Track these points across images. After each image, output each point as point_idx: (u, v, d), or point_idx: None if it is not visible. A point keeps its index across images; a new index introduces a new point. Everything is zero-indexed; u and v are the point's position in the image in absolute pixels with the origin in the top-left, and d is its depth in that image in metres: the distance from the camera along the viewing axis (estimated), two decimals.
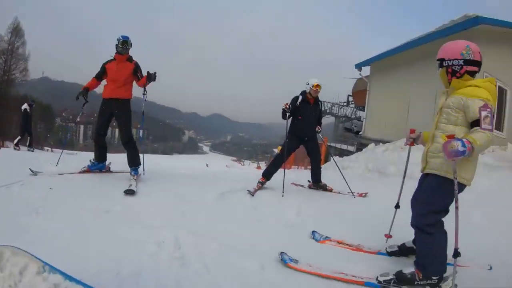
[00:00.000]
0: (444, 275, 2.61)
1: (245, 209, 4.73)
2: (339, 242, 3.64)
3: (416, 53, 11.68)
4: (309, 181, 6.63)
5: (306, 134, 6.11)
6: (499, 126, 10.70)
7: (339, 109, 35.62)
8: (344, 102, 35.50)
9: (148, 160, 5.94)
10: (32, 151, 12.47)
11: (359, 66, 14.94)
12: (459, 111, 2.64)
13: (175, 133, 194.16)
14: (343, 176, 6.40)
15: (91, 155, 5.95)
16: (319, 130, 6.34)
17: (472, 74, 2.71)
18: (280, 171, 5.95)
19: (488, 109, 2.46)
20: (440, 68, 2.82)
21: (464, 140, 2.35)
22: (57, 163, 5.82)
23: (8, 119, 34.54)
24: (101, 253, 2.71)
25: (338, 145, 22.92)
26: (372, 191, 6.13)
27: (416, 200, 2.89)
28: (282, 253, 3.11)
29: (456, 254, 2.49)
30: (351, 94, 31.52)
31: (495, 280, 2.93)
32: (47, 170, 5.35)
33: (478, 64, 2.71)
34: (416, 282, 2.68)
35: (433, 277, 2.63)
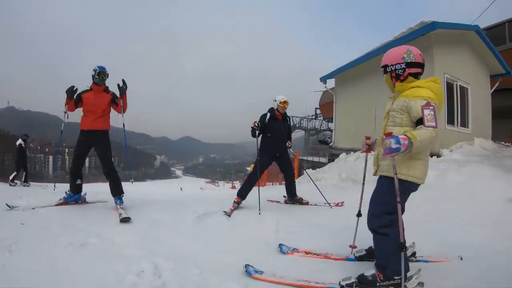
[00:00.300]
0: (409, 274, 2.63)
1: (223, 230, 4.70)
2: (307, 253, 3.70)
3: (377, 62, 11.91)
4: (284, 196, 6.66)
5: (277, 150, 6.15)
6: (464, 123, 11.06)
7: (308, 122, 36.10)
8: (312, 115, 35.99)
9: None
10: (28, 186, 12.32)
11: (324, 79, 15.15)
12: (403, 112, 2.74)
13: (147, 159, 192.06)
14: (318, 188, 6.47)
15: (63, 186, 5.82)
16: (289, 145, 6.38)
17: (416, 76, 2.82)
18: (255, 189, 5.94)
19: (431, 107, 2.55)
20: (385, 74, 2.94)
21: (400, 136, 2.44)
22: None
23: None
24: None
25: (310, 158, 23.14)
26: (348, 200, 6.17)
27: (370, 203, 2.95)
28: (247, 265, 3.20)
29: (401, 247, 2.57)
30: (318, 107, 31.97)
31: (466, 272, 3.00)
32: (21, 204, 5.21)
33: (420, 65, 2.82)
34: (378, 284, 2.72)
35: (395, 277, 2.66)
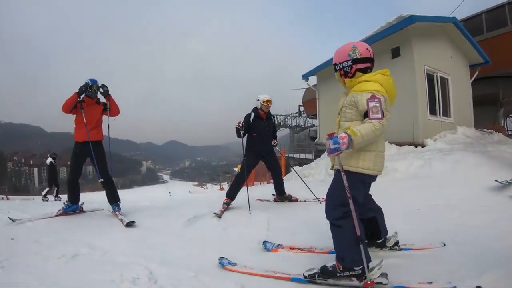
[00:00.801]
0: (371, 265, 2.67)
1: (215, 232, 4.70)
2: (291, 248, 3.75)
3: None
4: (273, 194, 6.69)
5: (263, 149, 6.17)
6: (446, 113, 11.24)
7: (292, 120, 36.16)
8: (296, 112, 36.06)
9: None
10: (59, 200, 12.36)
11: (306, 77, 15.24)
12: (352, 107, 2.81)
13: (133, 166, 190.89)
14: (306, 184, 6.52)
15: (50, 199, 5.80)
16: (275, 144, 6.41)
17: (365, 71, 2.87)
18: (244, 189, 5.97)
19: (376, 100, 2.61)
20: (336, 73, 3.01)
21: (339, 135, 2.52)
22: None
23: None
24: None
25: (296, 155, 23.26)
26: None
27: (326, 196, 3.02)
28: (221, 258, 3.37)
29: (358, 240, 2.64)
30: (302, 104, 32.06)
31: (450, 258, 3.07)
32: (24, 217, 5.33)
33: (368, 60, 2.87)
34: (338, 274, 2.76)
35: (355, 268, 2.68)
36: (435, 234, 3.77)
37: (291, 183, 8.09)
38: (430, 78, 10.78)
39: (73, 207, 5.71)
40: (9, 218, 5.07)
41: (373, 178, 2.92)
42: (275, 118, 6.69)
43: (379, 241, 3.35)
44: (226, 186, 35.28)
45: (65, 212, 5.62)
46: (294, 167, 10.09)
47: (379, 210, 3.34)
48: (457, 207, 4.82)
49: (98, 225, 5.00)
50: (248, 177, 6.21)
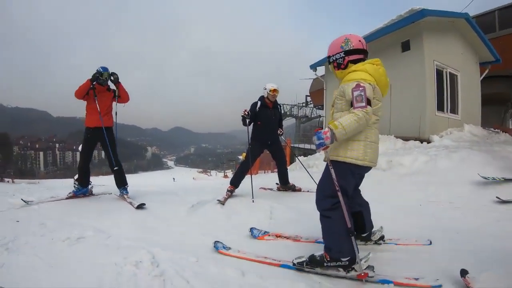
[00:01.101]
0: (360, 256, 2.67)
1: (218, 219, 4.74)
2: (277, 236, 3.84)
3: (368, 49, 12.00)
4: (277, 183, 6.73)
5: (268, 138, 6.18)
6: (454, 110, 11.16)
7: (298, 110, 35.99)
8: (303, 102, 35.88)
9: (113, 182, 5.92)
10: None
11: (314, 67, 15.12)
12: (341, 98, 2.83)
13: (138, 151, 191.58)
14: (310, 175, 6.50)
15: (55, 183, 5.90)
16: (281, 133, 6.43)
17: (357, 62, 2.90)
18: (248, 177, 6.00)
19: (360, 88, 2.62)
20: (330, 65, 3.06)
21: (322, 131, 2.55)
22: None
23: None
24: (79, 281, 2.66)
25: (301, 145, 23.23)
26: None
27: (317, 187, 3.05)
28: (215, 242, 3.51)
29: (349, 232, 2.67)
30: (309, 94, 31.90)
31: (432, 255, 3.09)
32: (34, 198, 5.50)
33: (360, 51, 2.91)
34: (325, 264, 2.79)
35: (342, 259, 2.70)
36: (434, 230, 3.78)
37: (295, 173, 8.10)
38: (439, 74, 10.67)
39: (83, 190, 5.87)
40: (21, 199, 5.20)
41: (364, 169, 2.90)
42: (282, 108, 6.71)
43: (364, 235, 3.36)
44: (230, 173, 35.35)
45: (75, 195, 5.78)
46: (298, 157, 10.09)
47: (365, 204, 3.35)
48: (460, 205, 4.83)
49: (103, 209, 5.05)
50: (253, 165, 6.23)
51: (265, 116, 6.10)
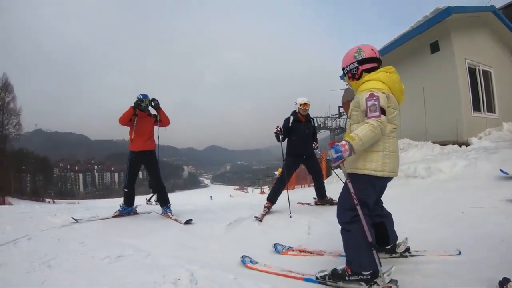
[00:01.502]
0: (383, 270, 2.63)
1: (256, 236, 4.72)
2: (300, 251, 3.82)
3: (397, 54, 11.90)
4: (314, 198, 6.67)
5: (303, 153, 6.16)
6: (490, 108, 10.86)
7: (332, 121, 35.72)
8: (336, 114, 35.61)
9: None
10: (151, 204, 13.88)
11: (343, 77, 15.04)
12: (357, 109, 2.81)
13: (174, 171, 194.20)
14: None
15: (94, 203, 6.10)
16: (316, 147, 6.38)
17: (371, 71, 2.88)
18: (284, 192, 5.98)
19: (374, 98, 2.61)
20: (345, 76, 3.07)
21: (340, 144, 2.52)
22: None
23: (6, 175, 34.55)
24: None
25: None
26: None
27: (338, 200, 3.06)
28: (243, 256, 3.57)
29: (368, 245, 2.62)
30: (341, 105, 31.67)
31: (458, 268, 2.92)
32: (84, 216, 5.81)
33: (374, 60, 2.90)
34: (347, 278, 2.76)
35: (364, 273, 2.66)
36: (477, 238, 3.60)
37: (332, 186, 8.03)
38: (472, 72, 10.44)
39: (128, 209, 6.16)
40: (72, 218, 5.54)
41: (385, 180, 2.87)
42: (315, 121, 6.71)
43: (388, 247, 3.29)
44: (267, 189, 35.33)
45: (121, 213, 6.08)
46: (334, 170, 10.00)
47: (388, 215, 3.27)
48: (503, 210, 4.63)
49: (144, 228, 5.16)
50: (289, 181, 6.21)
51: (298, 130, 6.09)
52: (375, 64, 2.90)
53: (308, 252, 3.76)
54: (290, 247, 3.92)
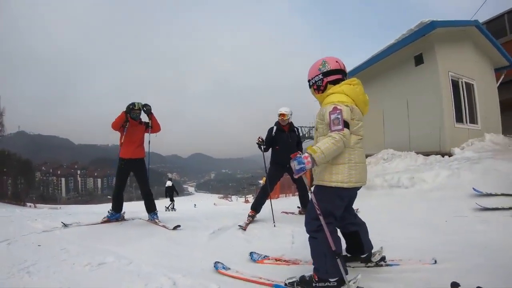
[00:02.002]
0: (348, 278, 2.68)
1: (239, 245, 4.69)
2: (276, 259, 3.84)
3: (382, 66, 12.08)
4: (298, 207, 6.71)
5: (287, 162, 6.13)
6: (473, 120, 11.07)
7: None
8: None
9: (136, 209, 6.02)
10: (175, 211, 14.58)
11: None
12: (322, 121, 2.87)
13: (158, 178, 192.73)
14: None
15: (76, 209, 6.03)
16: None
17: (336, 82, 2.94)
18: (268, 201, 6.00)
19: (337, 111, 2.67)
20: (310, 89, 3.10)
21: (303, 155, 2.60)
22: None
23: None
24: None
25: None
26: (362, 206, 6.06)
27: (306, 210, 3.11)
28: (216, 262, 3.62)
29: (334, 254, 2.69)
30: None
31: (434, 276, 2.93)
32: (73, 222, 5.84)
33: (338, 72, 2.96)
34: (314, 284, 2.81)
35: (330, 279, 2.72)
36: (461, 246, 3.64)
37: None
38: (455, 84, 10.61)
39: (116, 215, 6.24)
40: (61, 222, 5.58)
41: (353, 190, 2.93)
42: (300, 130, 6.70)
43: (363, 256, 3.31)
44: (251, 198, 35.26)
45: (109, 219, 6.16)
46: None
47: (361, 224, 3.33)
48: (486, 218, 4.70)
49: (128, 235, 5.12)
50: (273, 190, 6.21)
51: (281, 140, 6.13)
52: (339, 76, 2.96)
53: (284, 261, 3.78)
54: (266, 256, 3.93)
